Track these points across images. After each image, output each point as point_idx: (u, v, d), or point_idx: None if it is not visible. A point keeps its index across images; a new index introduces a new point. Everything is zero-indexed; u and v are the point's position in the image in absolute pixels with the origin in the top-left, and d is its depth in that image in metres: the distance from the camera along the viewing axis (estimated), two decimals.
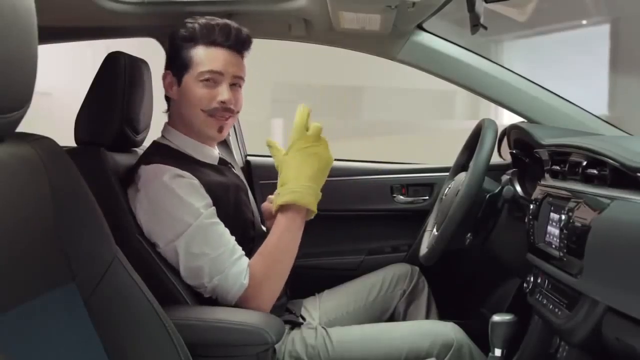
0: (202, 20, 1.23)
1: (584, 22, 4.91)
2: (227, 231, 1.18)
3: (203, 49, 1.22)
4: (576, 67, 4.39)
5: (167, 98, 1.30)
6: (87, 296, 0.80)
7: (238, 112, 1.29)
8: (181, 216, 1.13)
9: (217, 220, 1.18)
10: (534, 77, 1.61)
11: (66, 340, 0.77)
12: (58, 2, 1.28)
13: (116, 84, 1.21)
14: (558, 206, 1.11)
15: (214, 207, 1.19)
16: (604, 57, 4.67)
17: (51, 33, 1.47)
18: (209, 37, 1.22)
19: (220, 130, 1.26)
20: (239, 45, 1.25)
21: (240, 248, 1.18)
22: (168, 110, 1.32)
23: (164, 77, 1.28)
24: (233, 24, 1.24)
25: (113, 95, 1.21)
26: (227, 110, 1.24)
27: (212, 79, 1.22)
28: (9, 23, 0.65)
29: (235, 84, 1.26)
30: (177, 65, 1.25)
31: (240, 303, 1.15)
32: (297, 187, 1.16)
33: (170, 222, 1.14)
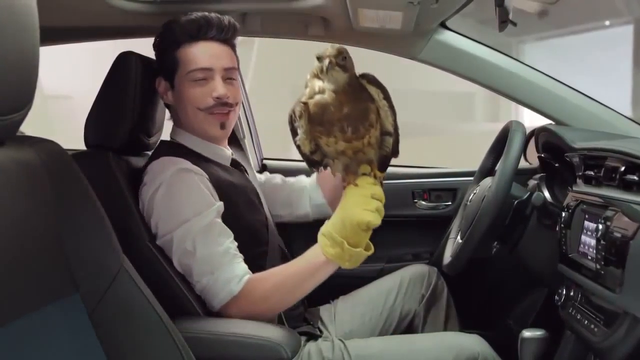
0: (181, 19, 1.19)
1: (607, 22, 4.83)
2: (225, 233, 1.14)
3: (187, 47, 1.19)
4: (598, 68, 4.32)
5: (167, 105, 1.28)
6: (91, 308, 0.76)
7: (237, 104, 1.25)
8: (181, 210, 1.10)
9: (218, 220, 1.14)
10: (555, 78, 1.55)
11: (69, 355, 0.73)
12: (69, 2, 1.26)
13: (127, 85, 1.18)
14: (593, 214, 1.04)
15: (218, 205, 1.15)
16: (627, 58, 4.59)
17: (63, 33, 1.46)
18: (190, 33, 1.18)
19: (223, 126, 1.23)
20: (222, 34, 1.21)
21: (238, 253, 1.14)
22: (171, 116, 1.29)
23: (158, 84, 1.24)
24: (213, 14, 1.20)
25: (124, 96, 1.18)
26: (224, 105, 1.21)
27: (203, 77, 1.19)
28: (7, 22, 0.62)
29: (229, 77, 1.22)
30: (166, 70, 1.22)
31: (224, 309, 1.10)
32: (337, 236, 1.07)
33: (169, 215, 1.11)
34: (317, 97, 0.99)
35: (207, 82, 1.20)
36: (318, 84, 0.99)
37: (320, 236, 1.10)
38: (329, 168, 1.10)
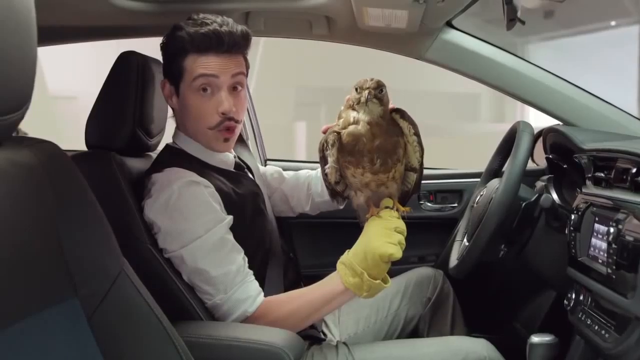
0: (190, 29, 1.13)
1: (614, 22, 4.81)
2: (236, 249, 1.13)
3: (195, 57, 1.14)
4: (605, 68, 4.29)
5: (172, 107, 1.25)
6: (90, 312, 0.75)
7: (242, 120, 1.23)
8: (190, 227, 1.09)
9: (229, 235, 1.13)
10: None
11: (68, 359, 0.72)
12: (71, 1, 1.25)
13: (128, 85, 1.16)
14: (604, 217, 1.02)
15: (228, 219, 1.14)
16: (634, 58, 4.56)
17: (65, 33, 1.45)
18: (200, 47, 1.13)
19: (227, 140, 1.21)
20: (235, 47, 1.15)
21: (250, 271, 1.13)
22: (174, 115, 1.27)
23: (163, 86, 1.22)
24: (224, 27, 1.13)
25: (125, 96, 1.16)
26: (229, 120, 1.17)
27: (208, 86, 1.14)
28: (4, 20, 0.60)
29: (236, 86, 1.18)
30: (172, 75, 1.18)
31: None
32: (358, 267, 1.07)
33: (178, 231, 1.09)
34: (351, 127, 1.02)
35: (213, 95, 1.15)
36: (353, 114, 1.02)
37: (339, 265, 1.10)
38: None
